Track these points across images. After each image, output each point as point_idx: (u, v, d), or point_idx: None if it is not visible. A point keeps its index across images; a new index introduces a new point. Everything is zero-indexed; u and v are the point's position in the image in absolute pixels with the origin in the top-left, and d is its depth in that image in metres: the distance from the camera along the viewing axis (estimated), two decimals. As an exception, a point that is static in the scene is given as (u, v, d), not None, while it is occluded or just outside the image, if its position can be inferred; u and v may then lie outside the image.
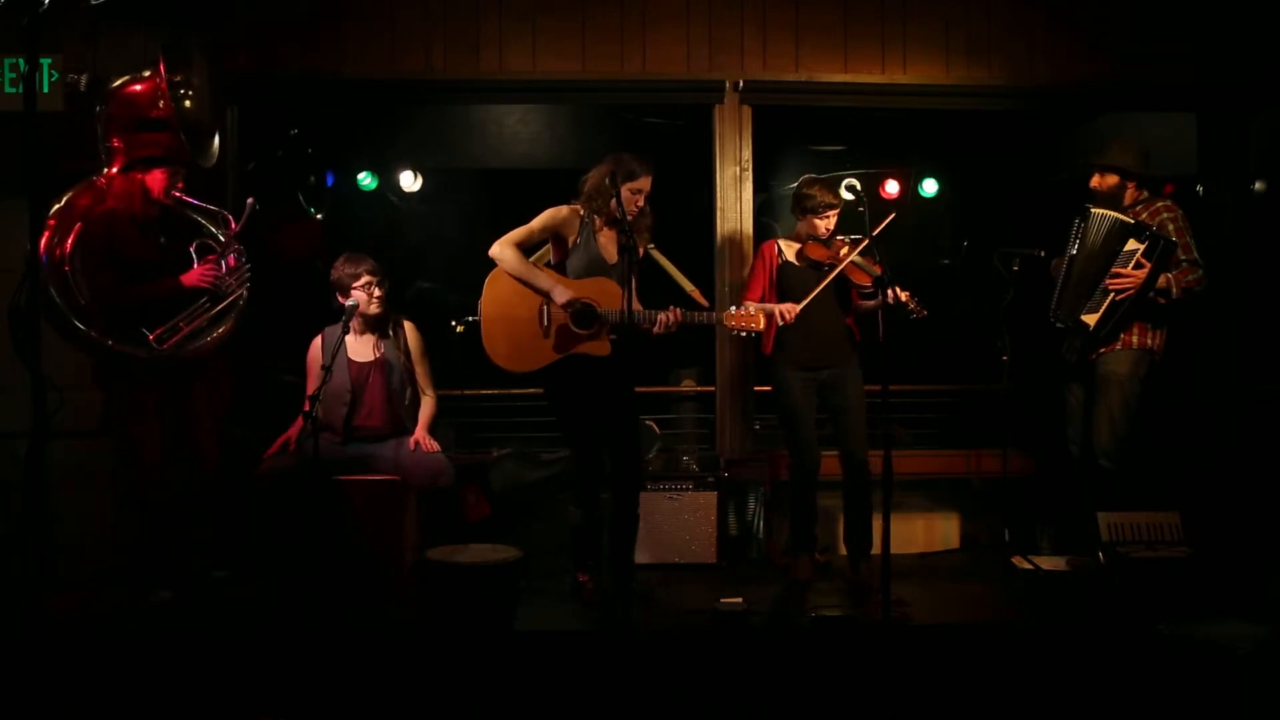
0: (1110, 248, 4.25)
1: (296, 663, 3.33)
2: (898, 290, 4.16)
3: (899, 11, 5.06)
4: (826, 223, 4.35)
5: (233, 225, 4.11)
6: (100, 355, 3.98)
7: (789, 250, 4.45)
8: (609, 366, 4.00)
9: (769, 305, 4.26)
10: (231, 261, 4.09)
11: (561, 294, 3.92)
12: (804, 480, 4.44)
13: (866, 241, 4.13)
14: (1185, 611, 3.56)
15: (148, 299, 3.94)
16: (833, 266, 4.29)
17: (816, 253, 4.37)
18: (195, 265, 4.06)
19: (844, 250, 4.33)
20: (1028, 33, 5.10)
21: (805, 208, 4.37)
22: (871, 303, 4.33)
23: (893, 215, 4.23)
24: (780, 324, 4.25)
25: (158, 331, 3.94)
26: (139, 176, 4.00)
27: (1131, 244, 4.21)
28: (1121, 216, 4.28)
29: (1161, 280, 4.19)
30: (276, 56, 4.25)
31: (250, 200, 4.08)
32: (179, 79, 4.04)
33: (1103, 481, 4.30)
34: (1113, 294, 4.22)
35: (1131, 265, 4.19)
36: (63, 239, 3.93)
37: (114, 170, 4.06)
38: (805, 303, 4.24)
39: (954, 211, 7.05)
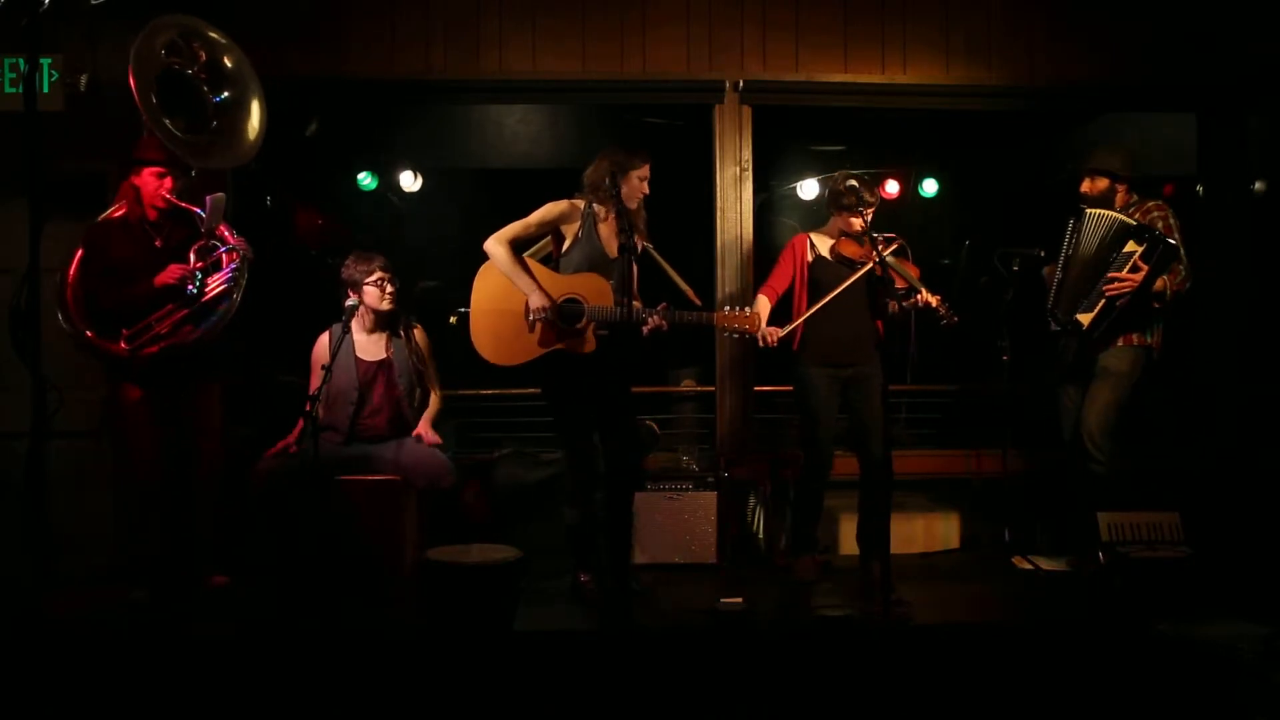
0: (1110, 249, 4.26)
1: (296, 663, 3.33)
2: (928, 294, 4.15)
3: (899, 11, 5.06)
4: (862, 220, 4.32)
5: (201, 226, 3.97)
6: (92, 355, 4.01)
7: (822, 245, 4.42)
8: (598, 364, 3.98)
9: (763, 326, 4.21)
10: (226, 262, 3.99)
11: (537, 300, 3.90)
12: (816, 478, 4.42)
13: (899, 242, 4.10)
14: (1185, 611, 3.56)
15: (128, 300, 3.93)
16: (865, 264, 4.26)
17: (850, 249, 4.33)
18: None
19: (878, 247, 4.26)
20: (1028, 33, 5.10)
21: (842, 204, 4.31)
22: (904, 303, 4.28)
23: (898, 243, 4.20)
24: (761, 347, 4.25)
25: (131, 330, 3.91)
26: (134, 181, 4.02)
27: (1130, 246, 4.22)
28: (1123, 218, 4.28)
29: (1158, 284, 4.21)
30: (276, 57, 4.25)
31: (210, 197, 3.94)
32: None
33: (1093, 480, 4.31)
34: (1109, 297, 4.23)
35: (1128, 268, 4.20)
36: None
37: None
38: (790, 328, 4.26)
39: (954, 211, 7.04)
